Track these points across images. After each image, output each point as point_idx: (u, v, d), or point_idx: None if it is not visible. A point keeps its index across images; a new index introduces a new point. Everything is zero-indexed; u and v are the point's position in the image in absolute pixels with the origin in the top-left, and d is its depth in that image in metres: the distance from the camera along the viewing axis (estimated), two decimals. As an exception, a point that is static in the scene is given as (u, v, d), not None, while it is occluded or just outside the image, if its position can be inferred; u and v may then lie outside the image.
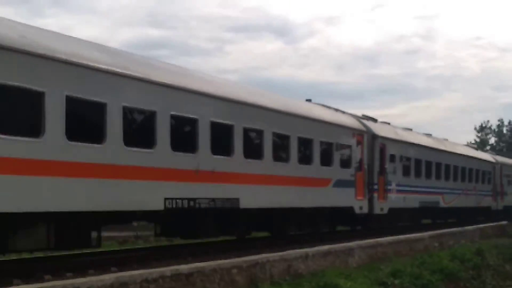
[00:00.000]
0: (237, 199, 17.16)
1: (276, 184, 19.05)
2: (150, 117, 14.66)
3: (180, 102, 15.59)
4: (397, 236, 22.91)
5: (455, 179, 34.73)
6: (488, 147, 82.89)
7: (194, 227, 16.67)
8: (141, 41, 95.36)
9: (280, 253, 15.78)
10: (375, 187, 25.34)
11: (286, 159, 19.80)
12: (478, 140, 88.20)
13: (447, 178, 33.50)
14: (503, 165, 43.21)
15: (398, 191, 27.35)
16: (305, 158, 20.86)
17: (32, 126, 12.12)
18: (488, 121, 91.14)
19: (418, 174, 29.97)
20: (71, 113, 12.57)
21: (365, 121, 26.27)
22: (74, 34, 13.99)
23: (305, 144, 20.88)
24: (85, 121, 13.57)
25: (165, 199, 14.81)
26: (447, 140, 37.89)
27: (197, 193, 15.82)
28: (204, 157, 16.05)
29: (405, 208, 28.16)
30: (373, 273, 17.60)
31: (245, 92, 19.22)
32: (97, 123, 13.42)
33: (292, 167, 19.99)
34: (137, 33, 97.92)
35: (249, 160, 17.79)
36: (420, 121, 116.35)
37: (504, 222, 37.24)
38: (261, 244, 18.80)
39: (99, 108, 13.35)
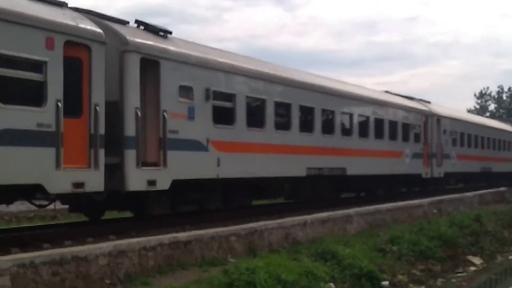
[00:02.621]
0: None
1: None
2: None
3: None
4: (396, 203, 22.96)
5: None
6: (487, 114, 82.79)
7: None
8: (139, 9, 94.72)
9: (279, 221, 15.83)
10: None
11: None
12: (478, 106, 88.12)
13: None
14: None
15: None
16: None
17: None
18: (488, 87, 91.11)
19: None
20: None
21: None
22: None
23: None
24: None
25: None
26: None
27: None
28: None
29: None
30: (372, 239, 17.67)
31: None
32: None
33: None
34: (135, 1, 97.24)
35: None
36: (419, 88, 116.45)
37: (503, 189, 37.31)
38: (260, 212, 18.83)
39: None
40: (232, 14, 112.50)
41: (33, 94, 11.79)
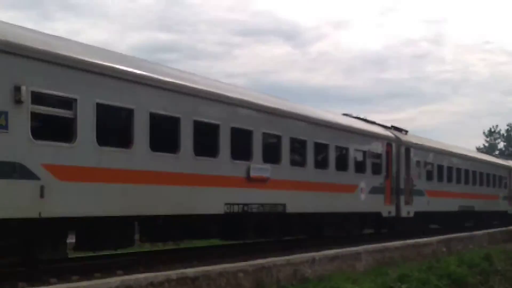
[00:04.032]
0: None
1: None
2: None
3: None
4: (405, 241, 22.82)
5: None
6: (497, 152, 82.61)
7: None
8: (150, 45, 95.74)
9: (287, 257, 15.73)
10: None
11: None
12: (487, 144, 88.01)
13: None
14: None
15: None
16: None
17: None
18: (497, 125, 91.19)
19: None
20: None
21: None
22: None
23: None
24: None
25: None
26: None
27: None
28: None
29: None
30: (380, 277, 17.51)
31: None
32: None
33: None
34: (146, 37, 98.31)
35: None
36: (429, 125, 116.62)
37: (512, 227, 37.11)
38: (268, 249, 18.77)
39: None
40: (242, 50, 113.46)
41: (378, 169, 25.60)
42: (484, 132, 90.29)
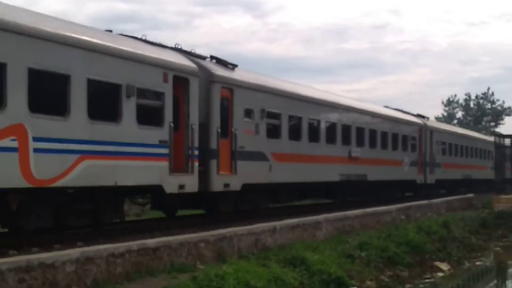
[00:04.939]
0: None
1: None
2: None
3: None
4: (364, 209, 23.10)
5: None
6: (455, 121, 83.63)
7: None
8: (109, 14, 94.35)
9: (248, 227, 15.82)
10: None
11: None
12: (445, 114, 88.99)
13: None
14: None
15: None
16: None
17: None
18: (455, 95, 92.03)
19: None
20: None
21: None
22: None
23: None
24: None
25: None
26: None
27: None
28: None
29: None
30: (340, 245, 17.71)
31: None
32: None
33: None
34: (105, 6, 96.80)
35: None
36: (389, 95, 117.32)
37: (470, 195, 37.74)
38: (229, 218, 18.82)
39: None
40: (203, 21, 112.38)
41: (414, 148, 34.69)
42: (442, 102, 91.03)
